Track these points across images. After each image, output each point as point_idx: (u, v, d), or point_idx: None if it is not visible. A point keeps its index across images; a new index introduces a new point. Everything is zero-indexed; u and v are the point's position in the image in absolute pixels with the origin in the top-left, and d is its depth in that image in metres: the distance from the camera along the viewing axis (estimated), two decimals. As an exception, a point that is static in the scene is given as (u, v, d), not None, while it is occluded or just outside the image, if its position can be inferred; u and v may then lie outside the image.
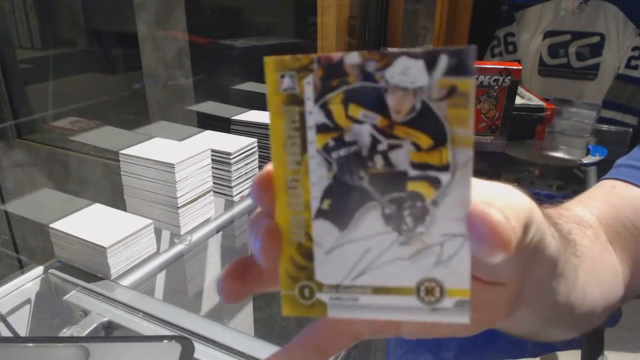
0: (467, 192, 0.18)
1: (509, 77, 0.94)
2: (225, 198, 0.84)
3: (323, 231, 0.20)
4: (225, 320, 0.92)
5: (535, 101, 1.07)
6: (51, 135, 0.95)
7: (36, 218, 0.76)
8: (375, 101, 0.19)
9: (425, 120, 0.18)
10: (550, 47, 1.62)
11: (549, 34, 1.62)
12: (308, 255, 0.20)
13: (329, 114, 0.19)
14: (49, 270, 0.64)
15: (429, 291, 0.19)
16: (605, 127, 1.21)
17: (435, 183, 0.19)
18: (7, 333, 0.61)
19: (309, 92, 0.19)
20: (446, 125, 0.18)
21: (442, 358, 0.75)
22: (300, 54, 0.19)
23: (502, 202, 0.19)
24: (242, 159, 0.83)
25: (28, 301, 0.65)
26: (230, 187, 0.82)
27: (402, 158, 0.19)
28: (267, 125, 0.20)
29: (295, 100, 0.19)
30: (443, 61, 0.17)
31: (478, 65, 0.96)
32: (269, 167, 0.20)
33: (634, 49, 1.51)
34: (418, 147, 0.19)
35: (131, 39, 1.11)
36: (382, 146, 0.19)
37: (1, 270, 0.67)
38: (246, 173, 0.84)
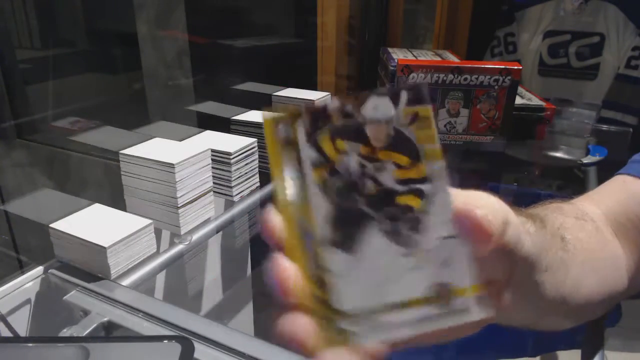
0: (447, 196, 0.21)
1: (509, 77, 0.94)
2: (226, 198, 0.84)
3: (332, 258, 0.21)
4: (225, 320, 0.92)
5: (536, 101, 1.07)
6: (51, 135, 0.95)
7: (36, 218, 0.76)
8: (357, 133, 0.22)
9: (400, 143, 0.22)
10: (550, 47, 1.62)
11: (548, 34, 1.62)
12: (323, 285, 0.21)
13: (319, 150, 0.22)
14: (49, 270, 0.64)
15: (442, 295, 0.21)
16: (605, 127, 1.21)
17: (419, 194, 0.21)
18: (7, 333, 0.61)
19: (301, 134, 0.22)
20: (417, 144, 0.21)
21: (443, 357, 0.75)
22: (291, 106, 0.22)
23: (481, 202, 0.22)
24: (242, 159, 0.83)
25: (28, 301, 0.65)
26: (230, 187, 0.82)
27: (387, 177, 0.22)
28: None
29: (290, 141, 0.22)
30: (403, 95, 0.21)
31: (478, 65, 0.96)
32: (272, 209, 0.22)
33: (634, 48, 1.51)
34: (399, 166, 0.22)
35: (131, 39, 1.11)
36: (369, 170, 0.22)
37: (1, 270, 0.66)
38: (246, 173, 0.84)
